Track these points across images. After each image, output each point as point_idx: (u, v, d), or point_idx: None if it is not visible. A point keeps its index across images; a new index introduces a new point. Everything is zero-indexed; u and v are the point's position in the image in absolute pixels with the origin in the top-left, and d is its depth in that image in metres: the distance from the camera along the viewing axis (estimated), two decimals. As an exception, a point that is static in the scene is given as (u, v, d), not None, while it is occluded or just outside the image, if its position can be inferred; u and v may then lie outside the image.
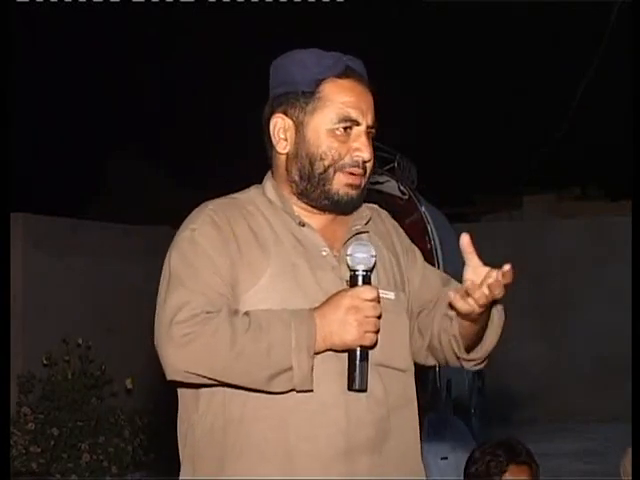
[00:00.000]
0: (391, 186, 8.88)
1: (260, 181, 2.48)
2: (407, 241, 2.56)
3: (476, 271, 2.26)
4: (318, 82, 2.35)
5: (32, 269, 8.47)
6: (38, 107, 15.56)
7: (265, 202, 2.38)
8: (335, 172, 2.34)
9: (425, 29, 17.80)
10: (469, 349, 2.37)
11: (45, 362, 8.30)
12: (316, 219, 2.39)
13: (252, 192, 2.43)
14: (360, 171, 2.35)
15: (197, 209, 2.37)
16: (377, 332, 2.23)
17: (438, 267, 8.63)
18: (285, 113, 2.37)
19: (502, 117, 18.83)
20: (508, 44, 17.82)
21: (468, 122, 18.81)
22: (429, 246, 8.63)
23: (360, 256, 2.24)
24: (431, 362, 2.46)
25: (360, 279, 2.23)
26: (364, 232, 2.42)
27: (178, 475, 2.37)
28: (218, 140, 16.35)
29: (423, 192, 9.22)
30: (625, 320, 11.82)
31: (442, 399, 8.42)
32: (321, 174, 2.34)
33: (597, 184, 16.70)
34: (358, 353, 2.21)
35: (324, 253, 2.34)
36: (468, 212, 16.16)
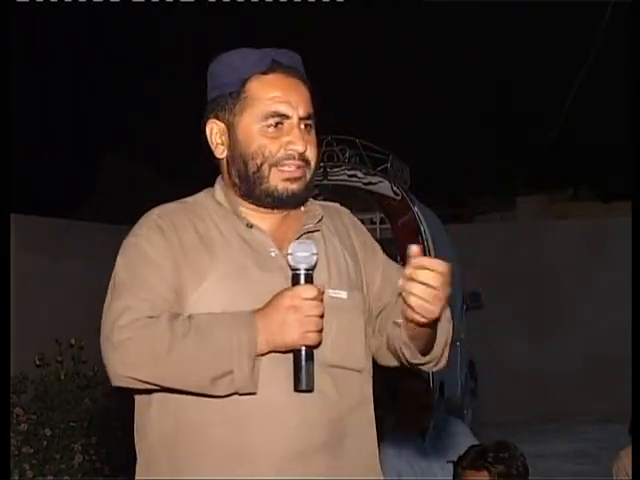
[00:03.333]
0: (384, 186, 8.89)
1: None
2: (369, 239, 2.52)
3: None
4: (244, 81, 2.33)
5: (25, 270, 8.45)
6: (32, 108, 15.54)
7: (215, 205, 2.37)
8: (270, 168, 2.31)
9: (424, 29, 17.81)
10: (422, 352, 2.34)
11: (38, 363, 8.28)
12: (266, 220, 2.36)
13: (202, 195, 2.42)
14: (297, 163, 2.32)
15: (144, 216, 2.37)
16: (320, 331, 2.20)
17: (431, 268, 8.63)
18: (217, 117, 2.37)
19: (495, 118, 18.84)
20: (501, 46, 17.84)
21: (461, 123, 18.82)
22: (422, 247, 8.62)
23: (301, 255, 2.21)
24: (393, 363, 2.43)
25: (302, 278, 2.20)
26: (315, 231, 2.38)
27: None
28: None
29: (416, 193, 9.22)
30: (618, 321, 11.90)
31: (435, 401, 8.43)
32: (255, 173, 2.32)
33: (589, 185, 16.75)
34: (303, 353, 2.19)
35: (273, 254, 2.32)
36: (461, 213, 16.18)
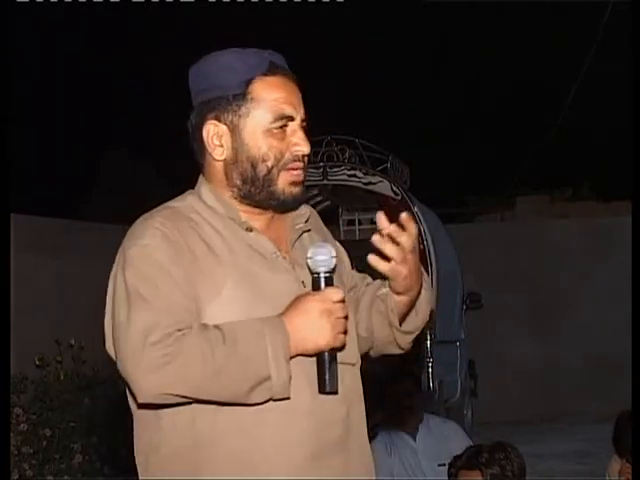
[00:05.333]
0: (384, 186, 8.89)
1: None
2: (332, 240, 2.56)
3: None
4: (247, 83, 2.30)
5: (24, 270, 8.44)
6: (31, 107, 15.54)
7: (206, 209, 2.32)
8: (279, 172, 2.30)
9: (424, 29, 17.81)
10: (404, 321, 2.42)
11: (38, 363, 8.27)
12: (258, 221, 2.35)
13: (189, 199, 2.36)
14: (301, 165, 2.33)
15: (141, 224, 2.29)
16: (345, 333, 2.23)
17: (431, 268, 8.64)
18: (218, 119, 2.32)
19: (494, 118, 18.85)
20: (501, 46, 17.84)
21: (461, 123, 18.83)
22: (422, 247, 8.63)
23: (321, 258, 2.22)
24: (388, 349, 2.50)
25: (322, 281, 2.21)
26: (307, 230, 2.40)
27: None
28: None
29: (416, 192, 9.22)
30: (617, 320, 11.89)
31: (435, 400, 8.43)
32: (265, 176, 2.30)
33: (589, 185, 16.75)
34: (327, 355, 2.19)
35: (275, 256, 2.31)
36: (461, 213, 16.18)
